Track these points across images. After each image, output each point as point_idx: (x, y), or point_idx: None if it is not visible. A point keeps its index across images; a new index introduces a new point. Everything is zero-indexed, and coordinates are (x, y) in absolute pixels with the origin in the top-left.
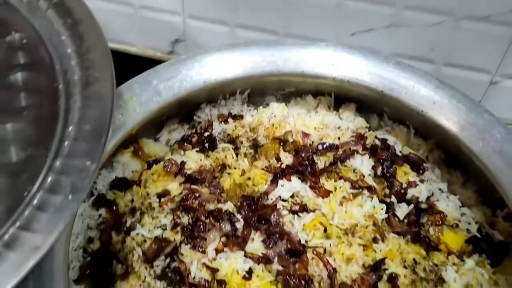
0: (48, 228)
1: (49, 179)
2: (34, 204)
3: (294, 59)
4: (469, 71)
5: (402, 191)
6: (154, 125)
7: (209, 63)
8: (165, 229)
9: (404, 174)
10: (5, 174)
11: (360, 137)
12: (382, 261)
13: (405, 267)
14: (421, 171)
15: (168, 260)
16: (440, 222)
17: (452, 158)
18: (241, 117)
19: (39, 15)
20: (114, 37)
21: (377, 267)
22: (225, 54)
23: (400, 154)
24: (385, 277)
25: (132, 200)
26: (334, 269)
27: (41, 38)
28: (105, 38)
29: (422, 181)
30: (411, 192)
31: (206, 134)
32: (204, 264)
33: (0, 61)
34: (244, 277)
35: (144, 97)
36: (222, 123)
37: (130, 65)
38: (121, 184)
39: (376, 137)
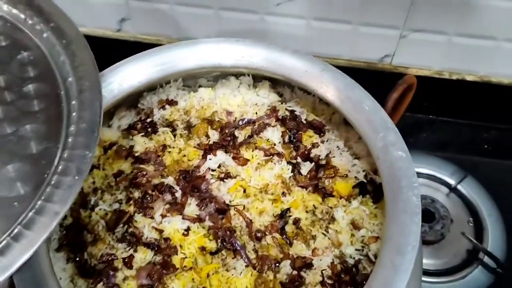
0: (63, 200)
1: (61, 165)
2: (52, 184)
3: (213, 53)
4: (381, 28)
5: (306, 152)
6: (105, 115)
7: (143, 65)
8: (122, 203)
9: (309, 137)
10: (29, 162)
11: (273, 110)
12: (287, 210)
13: (306, 212)
14: (322, 134)
15: (126, 227)
16: (333, 174)
17: None
18: (176, 102)
19: (41, 36)
20: None
21: (283, 215)
22: (157, 55)
23: (305, 122)
24: (290, 221)
25: (94, 182)
26: (251, 221)
27: (44, 55)
28: (91, 53)
29: (323, 141)
30: (314, 152)
31: (148, 120)
32: (153, 227)
33: (16, 76)
34: (183, 234)
35: None
36: (161, 109)
37: None
38: None
39: (286, 108)
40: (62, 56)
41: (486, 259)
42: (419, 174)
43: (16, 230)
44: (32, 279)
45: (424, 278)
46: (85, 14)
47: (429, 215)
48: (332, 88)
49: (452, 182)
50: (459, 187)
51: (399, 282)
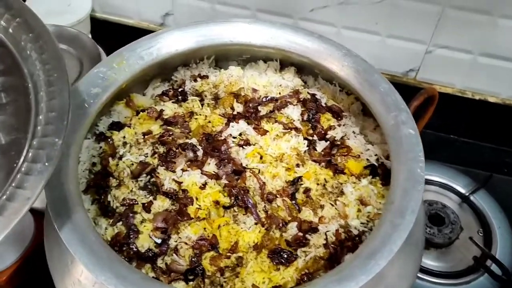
0: (34, 185)
1: (30, 153)
2: (22, 171)
3: (245, 32)
4: (408, 42)
5: (323, 132)
6: (142, 83)
7: (180, 36)
8: (147, 156)
9: (327, 120)
10: None
11: (296, 92)
12: (299, 178)
13: (317, 184)
14: (339, 118)
15: (148, 177)
16: (346, 153)
17: (367, 109)
18: (207, 77)
19: (5, 32)
20: (114, 11)
21: (295, 182)
22: (195, 28)
23: (324, 105)
24: (301, 190)
25: (124, 137)
26: (264, 183)
27: (10, 51)
28: (59, 47)
29: (340, 125)
30: (330, 133)
31: (180, 89)
32: (173, 179)
33: None
34: (200, 187)
35: (131, 60)
36: (193, 81)
37: (127, 35)
38: (116, 126)
39: (308, 92)
40: (29, 50)
41: (493, 267)
42: (433, 182)
43: None
44: (61, 202)
45: (429, 278)
46: (132, 8)
47: (439, 219)
48: (352, 71)
49: (465, 192)
50: (471, 198)
51: (398, 239)
